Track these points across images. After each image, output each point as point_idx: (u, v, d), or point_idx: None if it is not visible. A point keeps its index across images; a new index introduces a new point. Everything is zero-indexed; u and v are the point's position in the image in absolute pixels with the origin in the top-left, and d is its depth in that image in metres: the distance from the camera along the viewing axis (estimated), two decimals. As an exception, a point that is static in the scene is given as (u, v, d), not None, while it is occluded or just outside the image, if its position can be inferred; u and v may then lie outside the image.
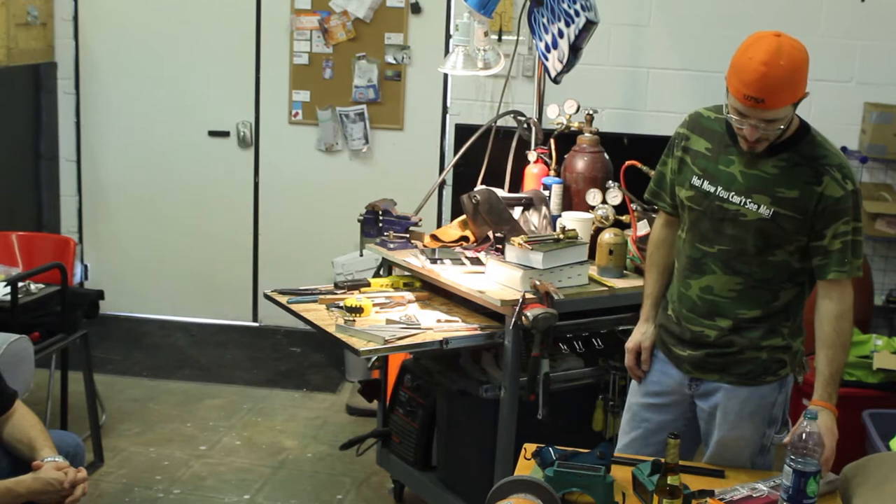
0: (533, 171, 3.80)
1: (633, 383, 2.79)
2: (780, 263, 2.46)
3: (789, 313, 2.53)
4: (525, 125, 4.01)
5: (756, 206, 2.42)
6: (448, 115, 5.29)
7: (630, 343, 2.75)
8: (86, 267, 5.73)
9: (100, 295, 4.14)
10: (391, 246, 3.58)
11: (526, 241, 3.20)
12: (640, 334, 2.73)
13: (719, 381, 2.57)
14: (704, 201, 2.50)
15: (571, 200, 3.65)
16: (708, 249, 2.51)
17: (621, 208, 3.48)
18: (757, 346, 2.52)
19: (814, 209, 2.38)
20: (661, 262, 2.72)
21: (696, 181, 2.52)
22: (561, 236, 3.28)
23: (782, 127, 2.33)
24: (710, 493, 2.29)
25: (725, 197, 2.46)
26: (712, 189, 2.48)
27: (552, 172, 3.76)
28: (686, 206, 2.55)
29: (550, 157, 3.79)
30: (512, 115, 4.10)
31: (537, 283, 3.05)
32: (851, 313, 2.45)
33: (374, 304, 3.24)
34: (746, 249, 2.46)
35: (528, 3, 3.88)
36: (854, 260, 2.41)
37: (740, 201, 2.44)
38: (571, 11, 3.66)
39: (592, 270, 3.34)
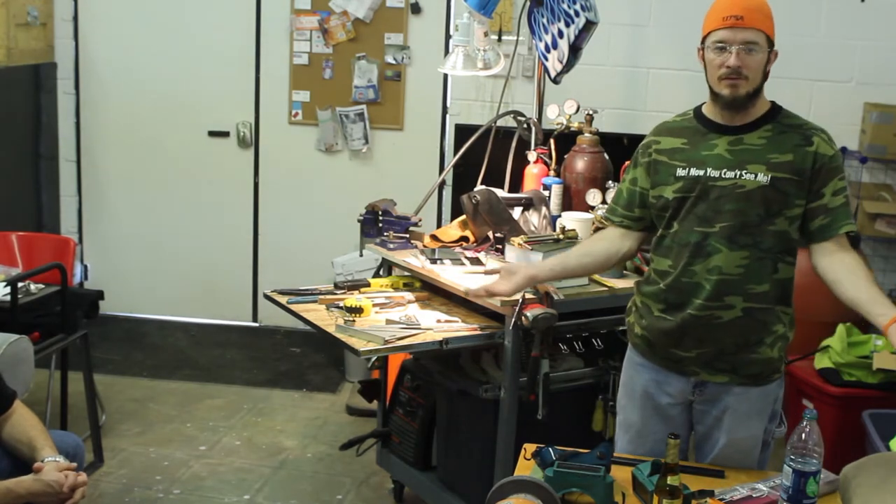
0: (533, 171, 3.80)
1: (625, 399, 2.73)
2: (780, 233, 2.47)
3: (786, 296, 2.53)
4: (525, 125, 4.01)
5: (753, 176, 2.45)
6: (448, 115, 5.29)
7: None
8: (86, 267, 5.73)
9: (100, 295, 4.13)
10: (391, 246, 3.59)
11: (526, 242, 3.20)
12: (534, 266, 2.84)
13: (729, 382, 2.54)
14: (696, 186, 2.50)
15: (571, 200, 3.65)
16: (709, 230, 2.49)
17: (621, 208, 3.48)
18: (771, 342, 2.50)
19: (811, 168, 2.44)
20: (594, 247, 2.77)
21: (681, 172, 2.52)
22: (561, 236, 3.28)
23: (759, 59, 2.42)
24: (710, 493, 2.28)
25: (717, 176, 2.48)
26: (701, 173, 2.50)
27: (552, 172, 3.76)
28: (675, 199, 2.53)
29: (550, 157, 3.79)
30: (512, 115, 4.10)
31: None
32: None
33: (374, 305, 3.24)
34: (750, 221, 2.46)
35: (528, 3, 3.89)
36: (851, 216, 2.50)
37: (735, 174, 2.46)
38: (571, 12, 3.66)
39: (592, 270, 3.33)
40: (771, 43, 2.46)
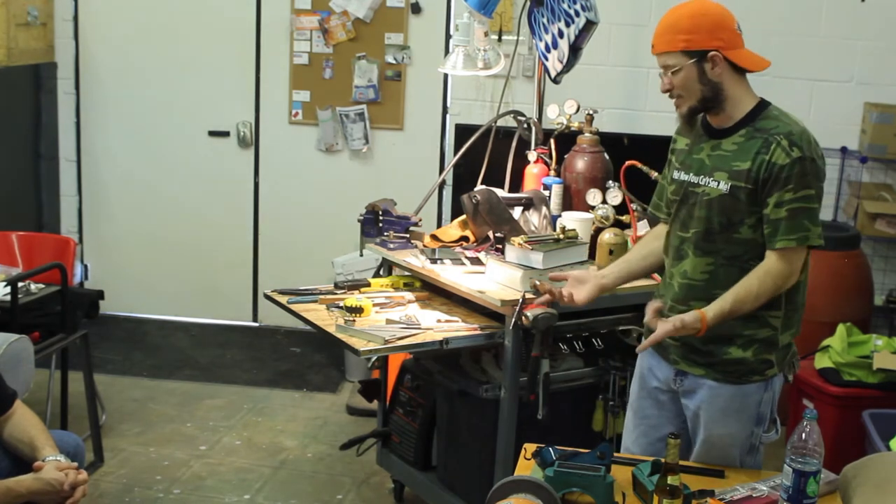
0: (533, 171, 3.80)
1: (634, 385, 2.80)
2: (746, 241, 2.48)
3: (772, 300, 2.48)
4: (525, 125, 4.00)
5: (717, 184, 2.48)
6: (448, 115, 5.29)
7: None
8: (86, 267, 5.73)
9: (100, 295, 4.14)
10: (391, 246, 3.58)
11: (526, 241, 3.20)
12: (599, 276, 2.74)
13: (704, 376, 2.56)
14: (681, 190, 2.58)
15: (571, 200, 3.65)
16: (685, 235, 2.57)
17: (621, 208, 3.48)
18: (743, 343, 2.49)
19: (762, 178, 2.42)
20: (652, 246, 2.72)
21: (675, 175, 2.61)
22: (561, 236, 3.28)
23: (683, 76, 2.44)
24: (710, 493, 2.29)
25: (695, 181, 2.53)
26: (686, 177, 2.57)
27: (552, 172, 3.76)
28: (668, 202, 2.64)
29: (550, 157, 3.79)
30: (512, 115, 4.10)
31: (537, 283, 3.05)
32: (788, 280, 2.44)
33: (374, 304, 3.24)
34: (713, 228, 2.50)
35: (528, 3, 3.88)
36: (812, 227, 2.42)
37: (705, 182, 2.51)
38: (571, 11, 3.66)
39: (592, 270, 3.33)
40: (695, 54, 2.43)
